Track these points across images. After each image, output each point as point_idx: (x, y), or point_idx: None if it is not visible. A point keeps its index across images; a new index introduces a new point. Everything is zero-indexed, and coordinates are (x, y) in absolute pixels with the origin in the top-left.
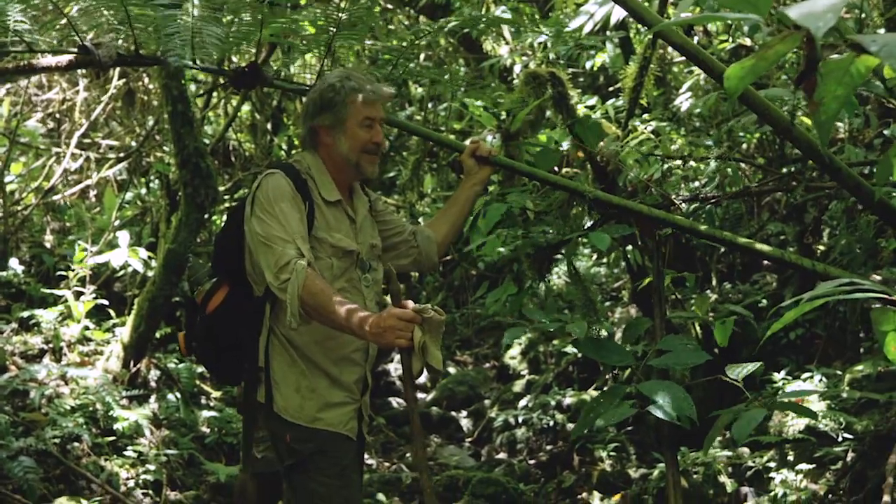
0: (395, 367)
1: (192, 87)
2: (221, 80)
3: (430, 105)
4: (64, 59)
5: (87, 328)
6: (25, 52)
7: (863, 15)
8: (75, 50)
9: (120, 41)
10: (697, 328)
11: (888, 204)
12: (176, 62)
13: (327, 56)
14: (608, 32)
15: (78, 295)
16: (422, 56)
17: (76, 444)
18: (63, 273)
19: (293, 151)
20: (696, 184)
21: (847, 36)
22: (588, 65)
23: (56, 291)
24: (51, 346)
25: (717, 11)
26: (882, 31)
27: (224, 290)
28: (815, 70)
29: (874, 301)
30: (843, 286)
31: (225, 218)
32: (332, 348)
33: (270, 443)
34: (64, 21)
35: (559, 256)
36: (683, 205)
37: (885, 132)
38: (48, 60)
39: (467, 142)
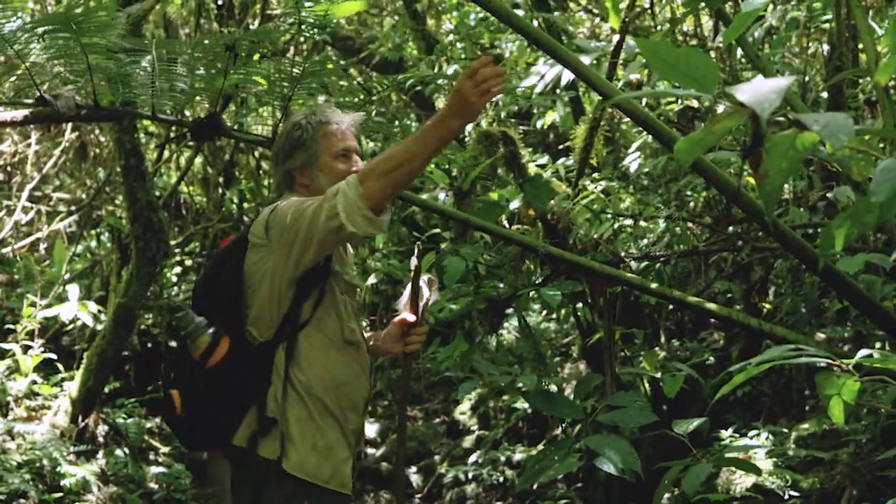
0: None
1: (144, 139)
2: (174, 133)
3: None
4: (20, 113)
5: (34, 382)
6: None
7: (807, 79)
8: (31, 102)
9: (78, 93)
10: (646, 384)
11: (831, 267)
12: (135, 113)
13: (282, 111)
14: (559, 92)
15: (26, 349)
16: (374, 112)
17: (22, 500)
18: (11, 327)
19: (245, 205)
20: (646, 241)
21: (791, 114)
22: (539, 123)
23: (3, 345)
24: None
25: (661, 82)
26: (824, 94)
27: (226, 343)
28: (760, 145)
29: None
30: (790, 351)
31: (210, 267)
32: (346, 395)
33: (250, 500)
34: (20, 72)
35: (510, 311)
36: (633, 263)
37: (829, 195)
38: (4, 115)
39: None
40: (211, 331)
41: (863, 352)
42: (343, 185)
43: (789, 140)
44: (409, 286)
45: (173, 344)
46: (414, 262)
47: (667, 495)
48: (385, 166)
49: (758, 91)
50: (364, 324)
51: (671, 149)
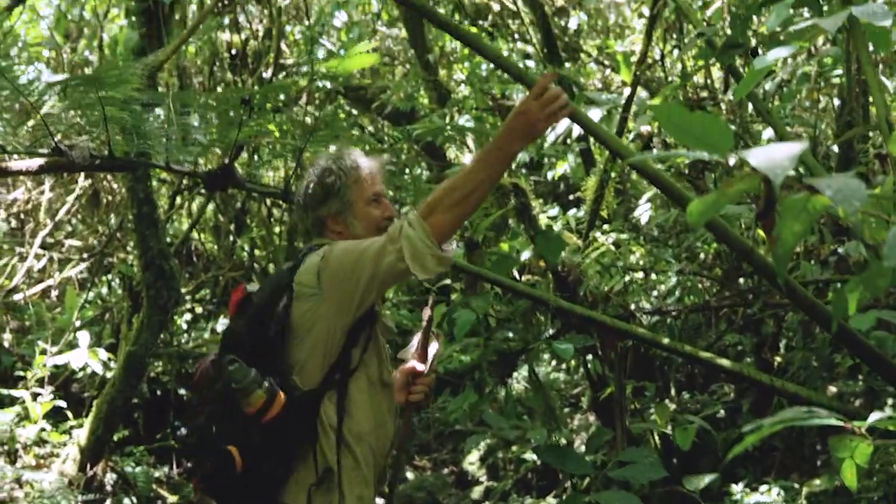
0: None
1: (155, 183)
2: (186, 183)
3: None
4: (35, 162)
5: (43, 430)
6: None
7: (817, 133)
8: (47, 152)
9: (92, 143)
10: (656, 437)
11: (844, 326)
12: (149, 164)
13: (294, 161)
14: (570, 143)
15: (35, 396)
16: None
17: None
18: (21, 373)
19: (256, 252)
20: (656, 294)
21: (804, 179)
22: (549, 174)
23: (13, 392)
24: (6, 447)
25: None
26: (835, 147)
27: (281, 397)
28: (773, 209)
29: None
30: (803, 411)
31: (248, 319)
32: (382, 436)
33: None
34: (36, 122)
35: (520, 361)
36: (644, 317)
37: (840, 250)
38: (20, 164)
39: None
40: (266, 385)
41: (875, 414)
42: (406, 225)
43: (802, 203)
44: (418, 335)
45: (183, 392)
46: (427, 312)
47: None
48: (451, 199)
49: (771, 156)
50: None
51: (681, 205)
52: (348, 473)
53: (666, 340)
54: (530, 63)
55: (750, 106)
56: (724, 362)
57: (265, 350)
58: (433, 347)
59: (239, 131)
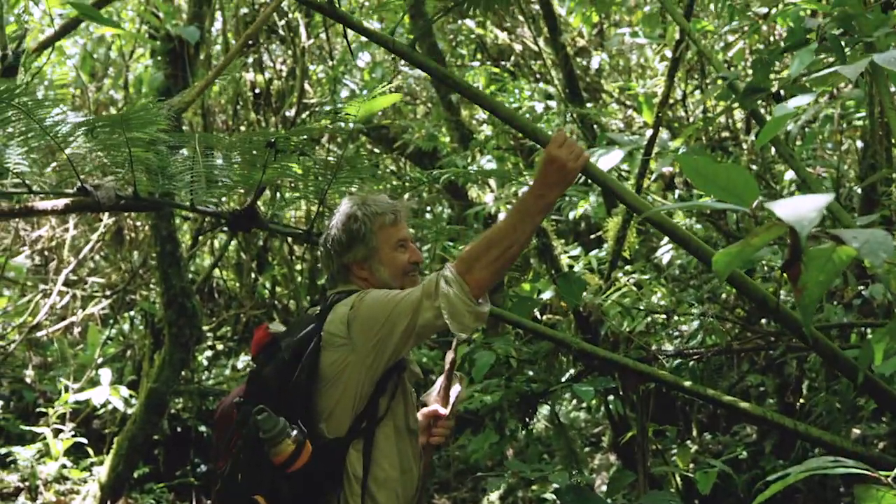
0: None
1: (178, 221)
2: (209, 220)
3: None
4: (61, 202)
5: (64, 467)
6: (24, 194)
7: (840, 175)
8: (73, 191)
9: (117, 183)
10: (678, 479)
11: (870, 377)
12: (174, 205)
13: (319, 204)
14: (590, 183)
15: (57, 432)
16: (407, 198)
17: None
18: (43, 409)
19: (277, 290)
20: (678, 336)
21: (829, 231)
22: (571, 214)
23: (35, 428)
24: (27, 484)
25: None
26: (858, 189)
27: (309, 448)
28: (799, 260)
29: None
30: (829, 462)
31: (275, 366)
32: (408, 482)
33: None
34: (62, 162)
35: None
36: (666, 359)
37: (864, 293)
38: (46, 204)
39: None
40: (294, 434)
41: None
42: (443, 282)
43: (827, 254)
44: (441, 378)
45: (203, 429)
46: (450, 355)
47: None
48: (490, 255)
49: (797, 209)
50: None
51: (699, 257)
52: None
53: (688, 383)
54: (552, 103)
55: (773, 148)
56: (747, 406)
57: (293, 398)
58: (455, 390)
59: (263, 173)
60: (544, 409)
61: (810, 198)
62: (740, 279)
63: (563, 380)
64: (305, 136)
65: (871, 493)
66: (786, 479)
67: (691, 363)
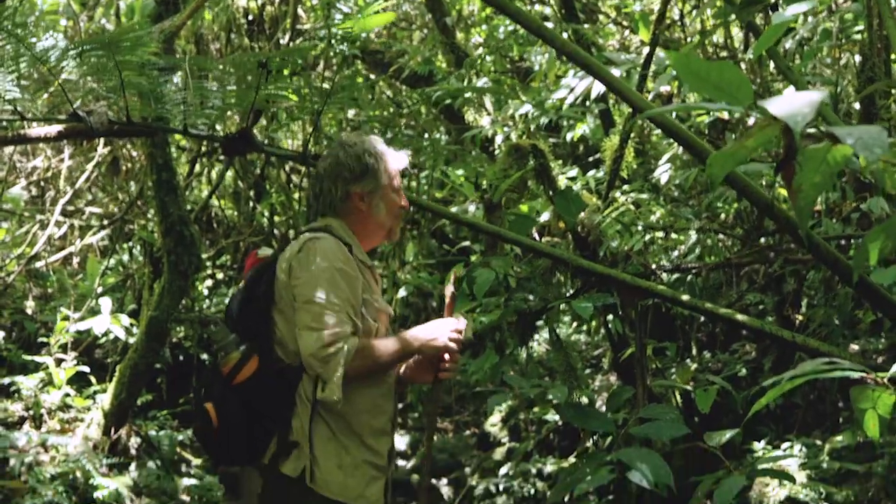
0: None
1: (174, 151)
2: (205, 148)
3: (412, 172)
4: (54, 129)
5: (67, 395)
6: (15, 121)
7: (839, 90)
8: (65, 118)
9: (110, 109)
10: (678, 396)
11: (864, 279)
12: (167, 129)
13: (313, 126)
14: (588, 104)
15: (59, 362)
16: (404, 124)
17: None
18: (44, 340)
19: (275, 218)
20: (676, 253)
21: (824, 127)
22: (569, 136)
23: (37, 358)
24: (31, 413)
25: (691, 92)
26: (857, 105)
27: (255, 362)
28: (793, 159)
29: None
30: (824, 364)
31: (244, 283)
32: (375, 417)
33: None
34: (54, 89)
35: (540, 323)
36: (664, 275)
37: (862, 206)
38: (39, 131)
39: None
40: (242, 348)
41: None
42: (344, 351)
43: (822, 153)
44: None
45: (205, 357)
46: (450, 289)
47: None
48: (375, 359)
49: (791, 104)
50: None
51: (703, 161)
52: (324, 443)
53: (686, 298)
54: (548, 24)
55: (771, 64)
56: (744, 318)
57: (250, 320)
58: (461, 323)
59: (256, 95)
60: (545, 334)
61: (804, 94)
62: (738, 180)
63: (561, 297)
64: (300, 60)
65: (866, 394)
66: (782, 385)
67: (689, 278)
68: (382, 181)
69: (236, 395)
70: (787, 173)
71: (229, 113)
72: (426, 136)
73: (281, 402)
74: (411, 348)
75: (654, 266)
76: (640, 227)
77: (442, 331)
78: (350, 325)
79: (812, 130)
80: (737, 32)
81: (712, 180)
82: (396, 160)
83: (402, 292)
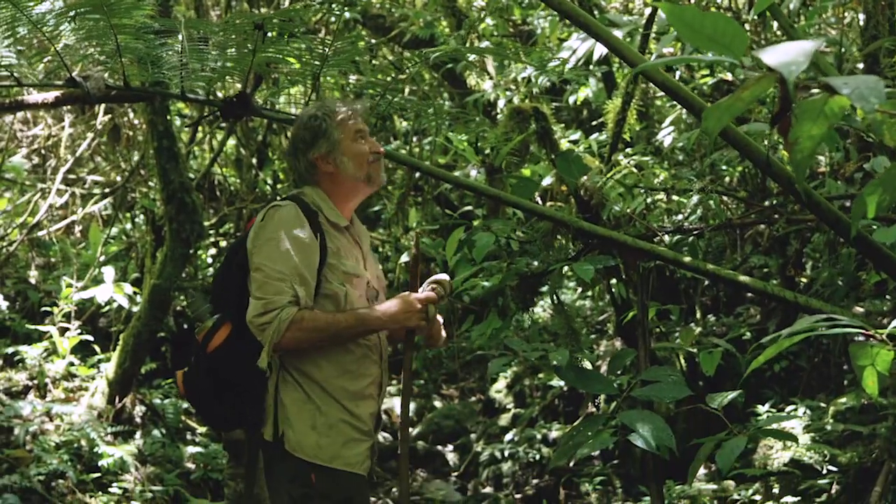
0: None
1: (178, 121)
2: (206, 113)
3: (415, 139)
4: (51, 95)
5: (71, 364)
6: (13, 87)
7: (843, 50)
8: (62, 83)
9: (108, 74)
10: (682, 360)
11: (866, 238)
12: (164, 94)
13: (313, 89)
14: (591, 67)
15: (63, 331)
16: (406, 90)
17: (61, 480)
18: (48, 309)
19: (278, 186)
20: (679, 217)
21: (819, 78)
22: (571, 99)
23: (41, 327)
24: (35, 382)
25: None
26: (860, 65)
27: (227, 329)
28: (789, 111)
29: (856, 334)
30: (822, 321)
31: (224, 255)
32: (352, 381)
33: (267, 482)
34: (51, 55)
35: (543, 289)
36: (666, 237)
37: (865, 166)
38: (36, 97)
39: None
40: (216, 316)
41: None
42: (277, 320)
43: (819, 105)
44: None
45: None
46: (412, 253)
47: (703, 470)
48: (315, 335)
49: (785, 54)
50: None
51: (692, 111)
52: (296, 406)
53: (688, 259)
54: None
55: (775, 24)
56: (746, 279)
57: (229, 289)
58: (426, 293)
59: (253, 58)
60: (548, 300)
61: (798, 43)
62: (734, 134)
63: (563, 260)
64: (300, 21)
65: (865, 351)
66: (780, 343)
67: (691, 239)
68: (337, 137)
69: (208, 362)
70: (783, 125)
71: (230, 79)
72: (429, 100)
73: (251, 368)
74: (372, 325)
75: (658, 227)
76: (642, 189)
77: (404, 307)
78: (290, 294)
79: (809, 84)
80: None
81: (708, 134)
82: (347, 111)
83: (404, 258)
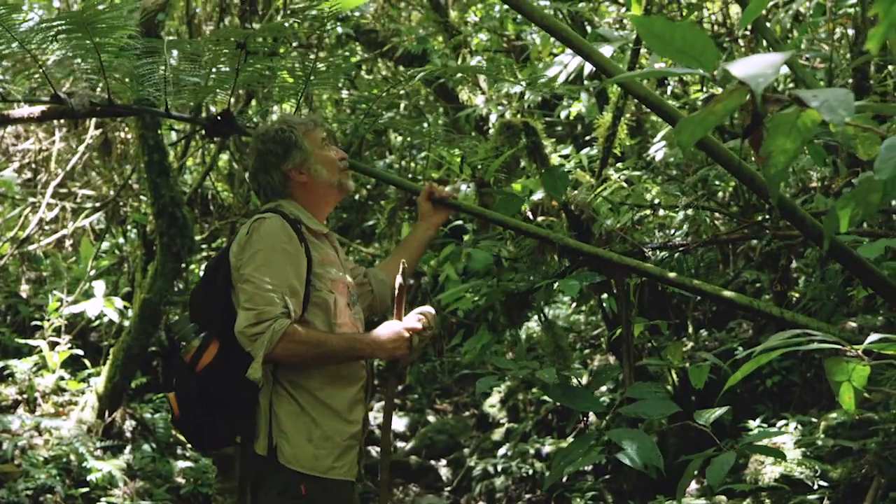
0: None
1: (173, 135)
2: (198, 128)
3: (410, 153)
4: (37, 109)
5: (61, 378)
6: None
7: (833, 65)
8: (47, 99)
9: (94, 90)
10: (674, 375)
11: (851, 253)
12: (148, 111)
13: (304, 105)
14: (585, 82)
15: (53, 345)
16: (402, 105)
17: (49, 495)
18: (38, 323)
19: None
20: (669, 231)
21: (790, 91)
22: (563, 114)
23: (31, 342)
24: (25, 396)
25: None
26: (851, 80)
27: (215, 347)
28: (760, 124)
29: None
30: (797, 336)
31: (203, 270)
32: (344, 387)
33: (256, 495)
34: (35, 72)
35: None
36: (654, 252)
37: (854, 181)
38: (22, 111)
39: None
40: (202, 336)
41: (873, 336)
42: (270, 331)
43: (791, 119)
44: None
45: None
46: (399, 280)
47: (695, 485)
48: (308, 352)
49: (753, 66)
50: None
51: (669, 122)
52: (291, 418)
53: (672, 275)
54: (544, 1)
55: (764, 41)
56: (731, 294)
57: (213, 306)
58: (414, 321)
59: (237, 76)
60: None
61: (767, 55)
62: (710, 144)
63: (549, 277)
64: (291, 37)
65: (841, 366)
66: (756, 358)
67: (676, 255)
68: (307, 147)
69: (198, 382)
70: (754, 139)
71: (220, 93)
72: (423, 116)
73: (243, 384)
74: (362, 352)
75: (644, 243)
76: (629, 205)
77: (393, 337)
78: (281, 306)
79: (780, 96)
80: (736, 11)
81: (681, 146)
82: (309, 122)
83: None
